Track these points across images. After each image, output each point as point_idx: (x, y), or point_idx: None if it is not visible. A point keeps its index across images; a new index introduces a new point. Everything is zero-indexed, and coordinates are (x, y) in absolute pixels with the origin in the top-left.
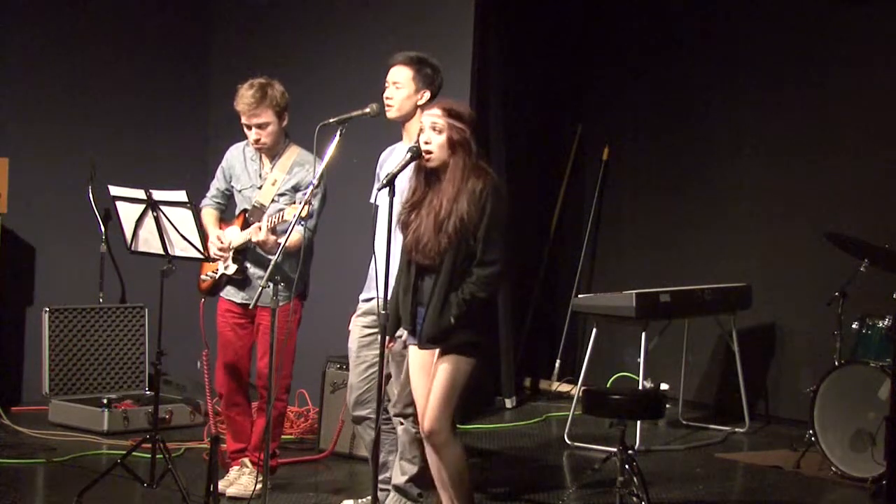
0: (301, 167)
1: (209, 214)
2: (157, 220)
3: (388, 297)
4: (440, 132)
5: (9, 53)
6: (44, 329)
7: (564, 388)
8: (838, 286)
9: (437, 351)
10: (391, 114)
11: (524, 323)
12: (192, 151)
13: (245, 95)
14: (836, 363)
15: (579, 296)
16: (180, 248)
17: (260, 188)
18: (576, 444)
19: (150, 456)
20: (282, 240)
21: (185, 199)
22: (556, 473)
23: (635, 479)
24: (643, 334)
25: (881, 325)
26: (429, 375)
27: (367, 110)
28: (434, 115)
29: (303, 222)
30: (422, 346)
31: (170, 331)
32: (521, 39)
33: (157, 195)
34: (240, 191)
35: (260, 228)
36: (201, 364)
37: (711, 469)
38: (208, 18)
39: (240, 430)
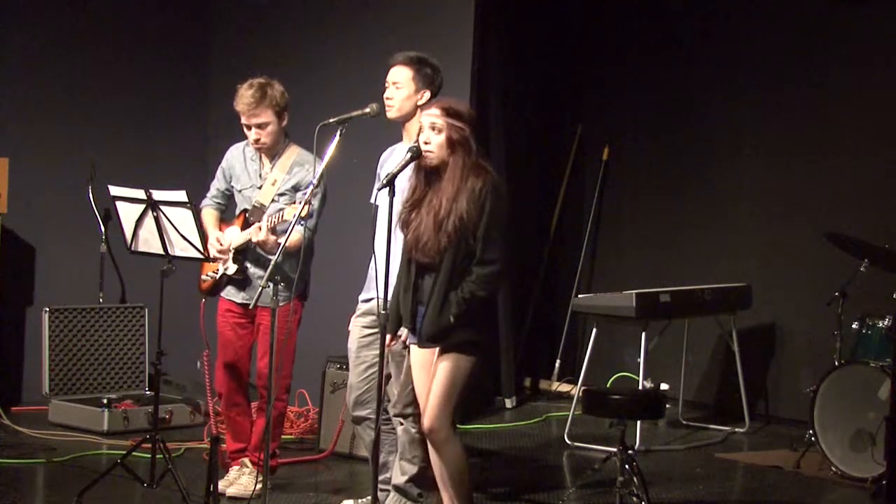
0: (301, 167)
1: (209, 215)
2: (157, 220)
3: (389, 297)
4: (439, 132)
5: (9, 53)
6: (44, 329)
7: (564, 388)
8: (838, 286)
9: (438, 349)
10: (391, 114)
11: (524, 323)
12: (192, 151)
13: (245, 95)
14: (836, 363)
15: (579, 296)
16: (180, 248)
17: (260, 188)
18: (576, 444)
19: (150, 456)
20: (282, 240)
21: (185, 199)
22: (556, 473)
23: (635, 479)
24: (643, 334)
25: (881, 325)
26: (429, 374)
27: (367, 110)
28: (433, 115)
29: (303, 222)
30: (421, 344)
31: (170, 331)
32: (521, 39)
33: (157, 195)
34: (240, 191)
35: (260, 228)
36: (201, 364)
37: (711, 469)
38: (208, 18)
39: (240, 430)
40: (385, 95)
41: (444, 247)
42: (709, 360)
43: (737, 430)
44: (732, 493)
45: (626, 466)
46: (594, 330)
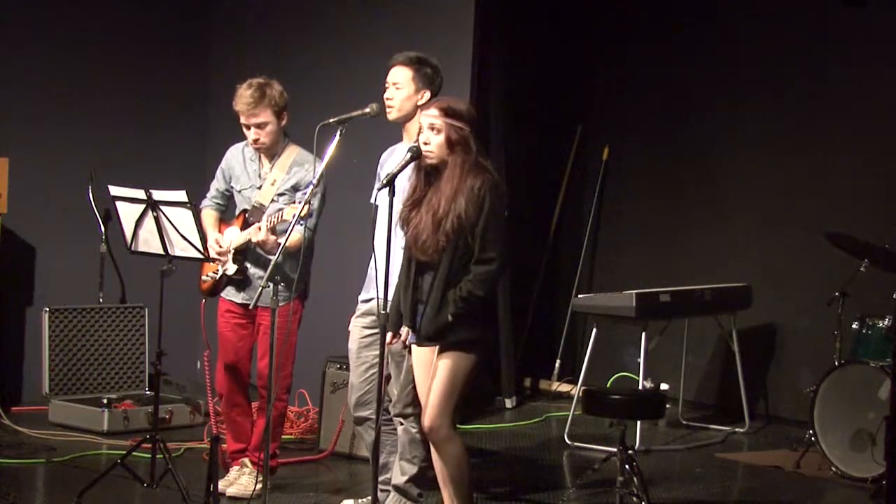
0: (300, 167)
1: (209, 216)
2: (157, 220)
3: (390, 297)
4: (438, 132)
5: (9, 53)
6: (44, 329)
7: (564, 388)
8: (838, 286)
9: (437, 348)
10: (392, 115)
11: (524, 323)
12: (192, 151)
13: (244, 95)
14: (836, 363)
15: (579, 296)
16: (180, 248)
17: (259, 188)
18: (576, 443)
19: (150, 456)
20: (282, 240)
21: (185, 199)
22: (556, 473)
23: (635, 479)
24: (643, 334)
25: (881, 325)
26: (429, 373)
27: (367, 110)
28: (431, 116)
29: (303, 222)
30: (421, 342)
31: (170, 331)
32: (521, 39)
33: (157, 195)
34: (239, 191)
35: (260, 228)
36: (202, 364)
37: (711, 469)
38: (208, 18)
39: (240, 430)
40: (385, 96)
41: (442, 246)
42: (709, 360)
43: (737, 430)
44: (732, 493)
45: (626, 466)
46: (594, 330)
